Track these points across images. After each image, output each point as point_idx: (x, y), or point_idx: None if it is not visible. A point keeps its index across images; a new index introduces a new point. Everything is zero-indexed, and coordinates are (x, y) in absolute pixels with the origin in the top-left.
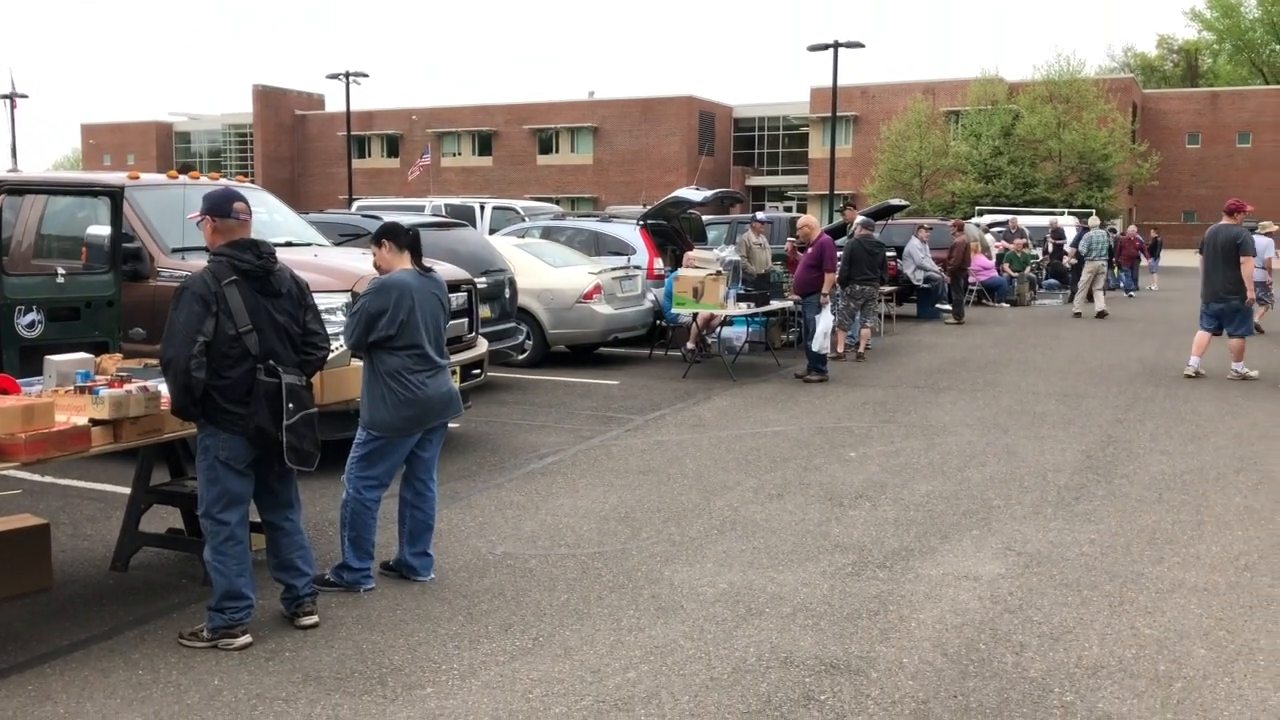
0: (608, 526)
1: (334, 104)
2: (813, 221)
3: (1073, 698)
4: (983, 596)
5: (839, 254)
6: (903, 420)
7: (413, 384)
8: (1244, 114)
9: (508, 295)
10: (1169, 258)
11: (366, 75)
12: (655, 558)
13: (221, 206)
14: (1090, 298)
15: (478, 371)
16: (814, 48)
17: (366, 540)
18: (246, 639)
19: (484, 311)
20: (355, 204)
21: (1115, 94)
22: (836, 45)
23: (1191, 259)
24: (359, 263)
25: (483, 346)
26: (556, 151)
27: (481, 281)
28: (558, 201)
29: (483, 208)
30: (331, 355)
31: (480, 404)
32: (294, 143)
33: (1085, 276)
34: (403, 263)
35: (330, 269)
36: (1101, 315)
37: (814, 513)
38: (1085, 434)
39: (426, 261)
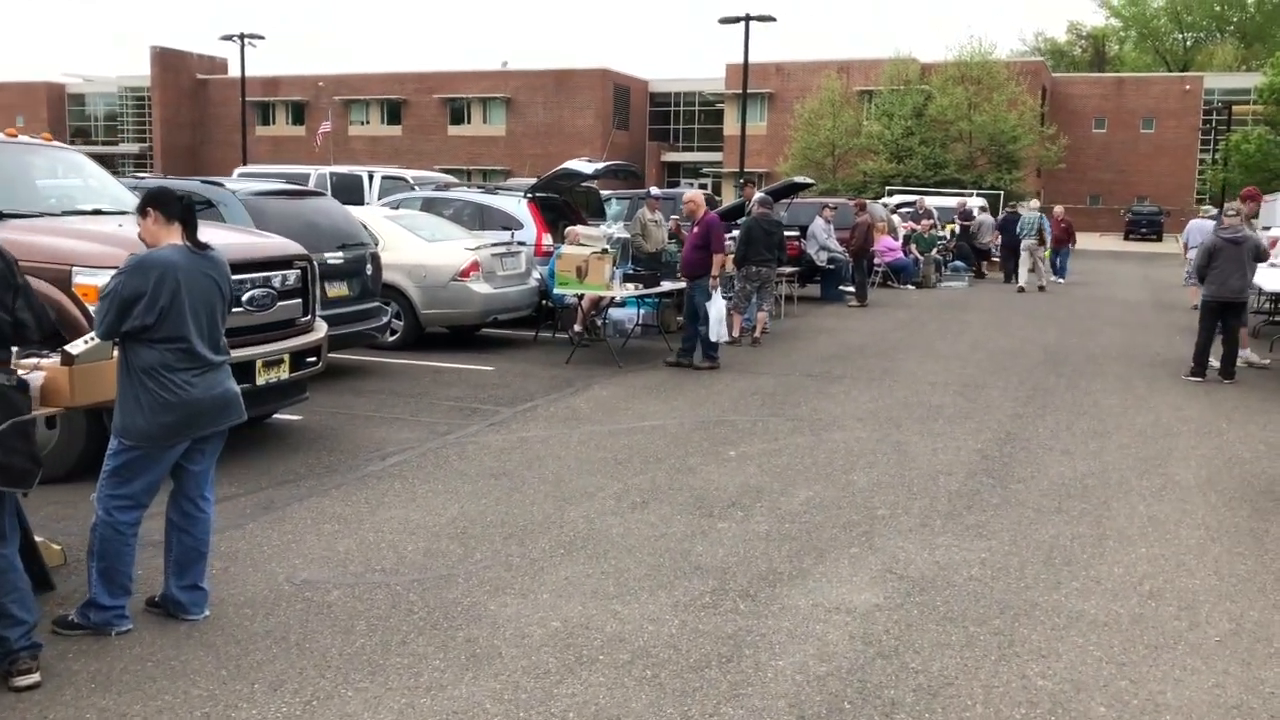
0: (438, 545)
1: (239, 68)
2: (698, 198)
3: None
4: (855, 635)
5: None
6: (791, 413)
7: (175, 384)
8: (1148, 100)
9: (369, 271)
10: (1077, 241)
11: (262, 37)
12: (484, 586)
13: None
14: (1017, 274)
15: (314, 359)
16: (725, 20)
17: (121, 572)
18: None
19: (340, 289)
20: (237, 170)
21: (1025, 77)
22: (748, 18)
23: (1097, 242)
24: None
25: (320, 331)
26: (468, 122)
27: (337, 256)
28: (469, 174)
29: (371, 177)
30: (85, 346)
31: (330, 393)
32: (195, 108)
33: (1023, 255)
34: (172, 237)
35: (119, 239)
36: (1040, 289)
37: (679, 525)
38: (982, 430)
39: (230, 232)
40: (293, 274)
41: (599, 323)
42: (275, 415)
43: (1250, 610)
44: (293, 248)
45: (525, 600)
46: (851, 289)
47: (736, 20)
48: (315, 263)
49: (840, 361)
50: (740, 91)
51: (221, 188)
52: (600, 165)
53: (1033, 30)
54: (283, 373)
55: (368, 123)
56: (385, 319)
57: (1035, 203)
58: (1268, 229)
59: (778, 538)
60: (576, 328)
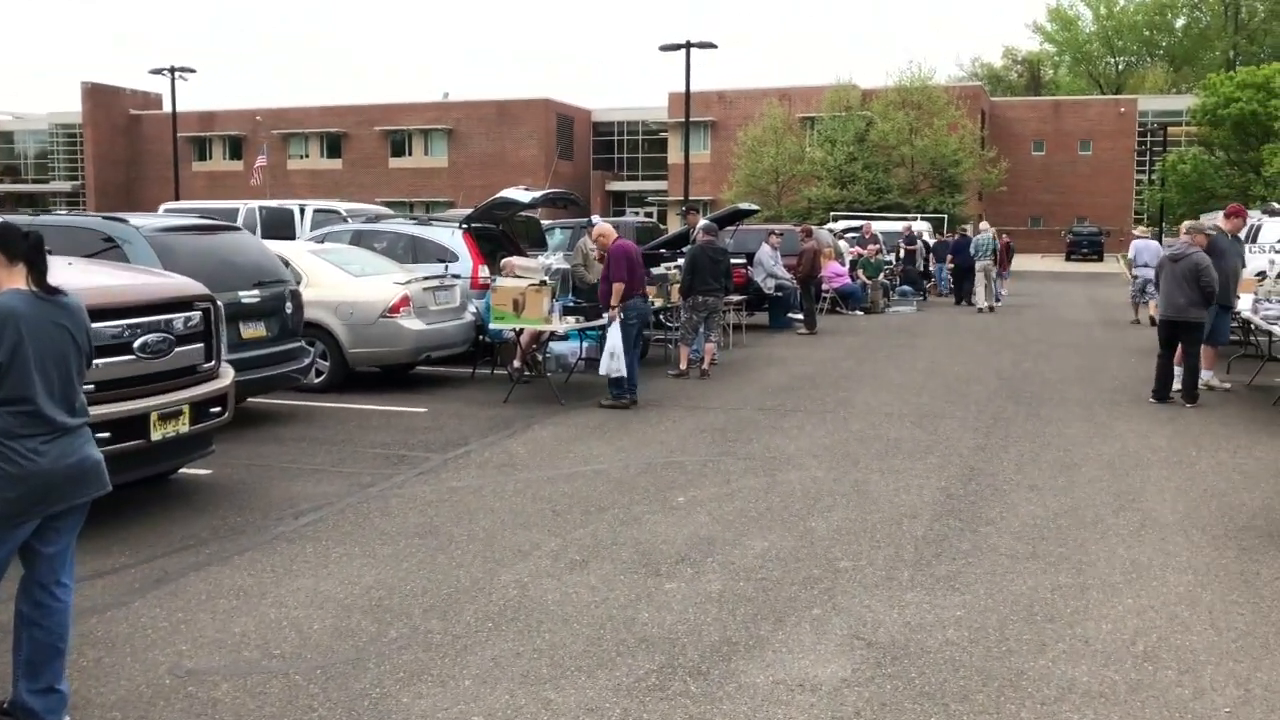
0: (348, 622)
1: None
2: (607, 229)
3: None
4: (822, 719)
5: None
6: (743, 451)
7: (19, 454)
8: (1085, 122)
9: (289, 310)
10: (1018, 262)
11: (193, 70)
12: (397, 672)
13: None
14: (973, 295)
15: (218, 409)
16: (666, 48)
17: None
18: None
19: (257, 330)
20: (162, 206)
21: (965, 101)
22: (689, 45)
23: (1039, 263)
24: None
25: (226, 378)
26: (410, 154)
27: (253, 294)
28: (411, 206)
29: (303, 210)
30: None
31: (247, 441)
32: (129, 144)
33: (979, 276)
34: (14, 280)
35: None
36: (990, 309)
37: (622, 588)
38: (944, 465)
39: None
40: (193, 316)
41: (540, 358)
42: (181, 470)
43: (1257, 671)
44: (193, 287)
45: (444, 689)
46: (800, 316)
47: (678, 47)
48: (219, 303)
49: (792, 393)
50: (683, 120)
51: (125, 224)
52: (538, 194)
53: (969, 56)
54: (182, 425)
55: (307, 156)
56: (307, 360)
57: (986, 225)
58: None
59: (731, 599)
60: (515, 364)
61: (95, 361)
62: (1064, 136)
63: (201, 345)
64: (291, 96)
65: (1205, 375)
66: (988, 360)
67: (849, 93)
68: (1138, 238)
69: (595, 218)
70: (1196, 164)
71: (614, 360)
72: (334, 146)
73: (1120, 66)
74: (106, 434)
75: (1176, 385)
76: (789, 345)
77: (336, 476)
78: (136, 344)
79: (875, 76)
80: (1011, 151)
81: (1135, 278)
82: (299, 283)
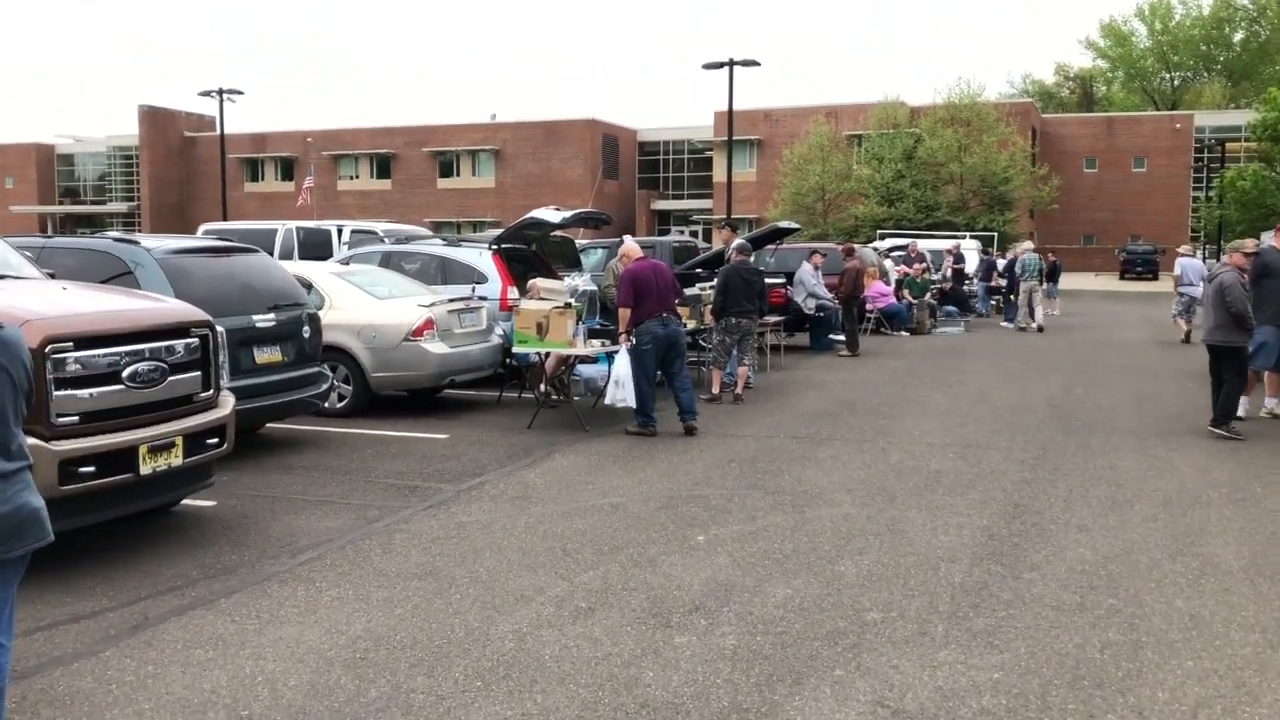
0: (328, 678)
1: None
2: (630, 249)
3: None
4: None
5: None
6: (772, 485)
7: None
8: (1139, 139)
9: (306, 334)
10: (1068, 281)
11: (241, 92)
12: None
13: None
14: (1031, 315)
15: (216, 440)
16: (709, 66)
17: None
18: None
19: (272, 355)
20: (202, 227)
21: (1015, 118)
22: (731, 63)
23: (1093, 282)
24: (31, 300)
25: (226, 407)
26: (457, 175)
27: (267, 319)
28: (458, 226)
29: (340, 231)
30: None
31: (257, 470)
32: (183, 166)
33: (1022, 297)
34: None
35: None
36: (1039, 330)
37: (628, 641)
38: (987, 502)
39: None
40: (189, 343)
41: (567, 381)
42: (184, 501)
43: None
44: (189, 312)
45: None
46: (841, 338)
47: (720, 65)
48: (218, 329)
49: (829, 420)
50: (728, 138)
51: (136, 246)
52: (568, 214)
53: (1020, 73)
54: (175, 458)
55: (357, 177)
56: (326, 385)
57: (1029, 244)
58: None
59: (746, 656)
60: (541, 388)
61: (83, 392)
62: (1117, 153)
63: (199, 373)
64: (341, 118)
65: (1269, 403)
66: (1037, 386)
67: (897, 110)
68: (1181, 255)
69: (627, 238)
70: (1257, 180)
71: (620, 388)
72: (383, 167)
73: (1176, 82)
74: (91, 468)
75: (1241, 412)
76: (829, 368)
77: (343, 509)
78: (126, 373)
79: (924, 94)
80: (1063, 169)
81: (1180, 295)
82: (321, 305)
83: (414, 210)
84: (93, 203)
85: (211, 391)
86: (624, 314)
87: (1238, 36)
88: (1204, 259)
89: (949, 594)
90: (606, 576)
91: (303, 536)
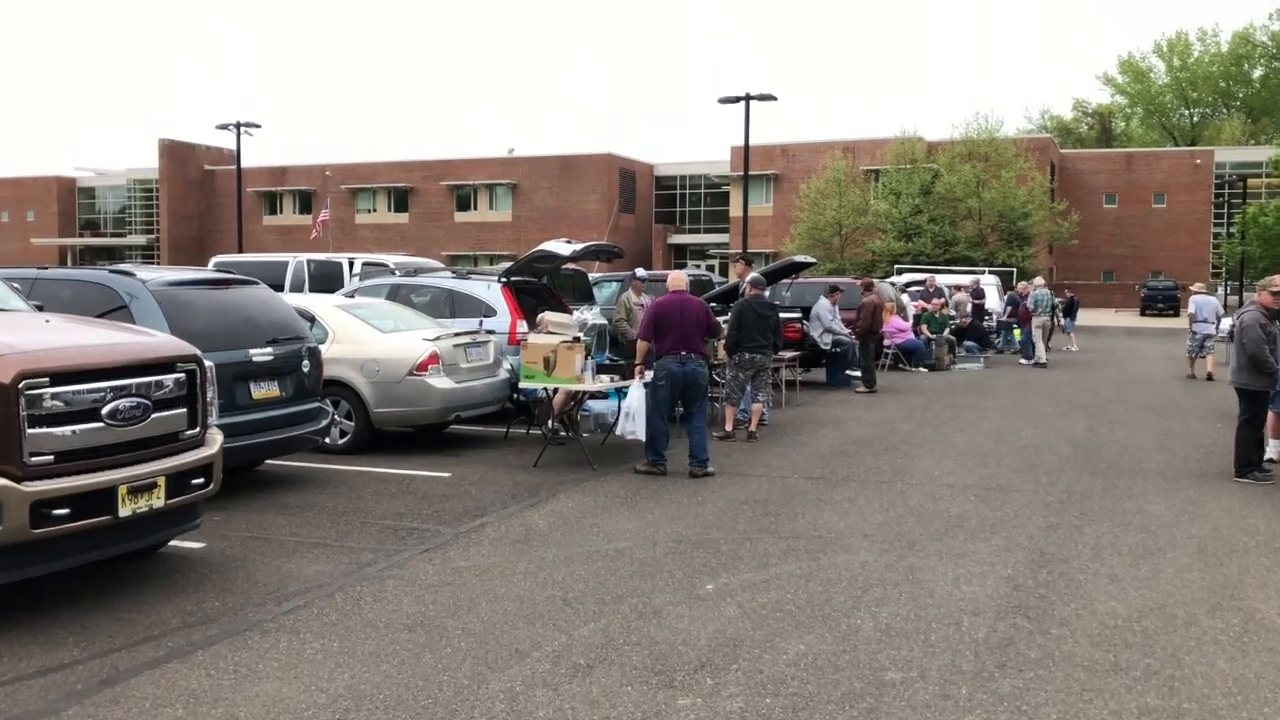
0: None
1: (248, 159)
2: (675, 277)
3: None
4: None
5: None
6: (786, 529)
7: None
8: (1158, 175)
9: (306, 369)
10: (1088, 317)
11: (259, 125)
12: None
13: None
14: (1033, 349)
15: (201, 480)
16: (725, 100)
17: None
18: None
19: (269, 390)
20: (213, 260)
21: (1033, 153)
22: (748, 98)
23: (1113, 318)
24: (7, 334)
25: (214, 445)
26: (475, 208)
27: (265, 353)
28: (475, 260)
29: (351, 263)
30: None
31: (251, 509)
32: (203, 198)
33: (1036, 333)
34: None
35: None
36: (1040, 365)
37: (626, 704)
38: (1011, 549)
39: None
40: (176, 378)
41: (577, 416)
42: (172, 542)
43: None
44: (176, 347)
45: None
46: (858, 374)
47: (736, 100)
48: (205, 364)
49: (845, 459)
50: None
51: (131, 278)
52: (579, 246)
53: (1038, 109)
54: (157, 499)
55: (375, 210)
56: (325, 421)
57: (1040, 280)
58: None
59: None
60: (550, 424)
61: (59, 430)
62: (1137, 189)
63: (184, 410)
64: (359, 152)
65: (1275, 443)
66: (1059, 424)
67: (914, 145)
68: (1196, 293)
69: (640, 271)
70: (1279, 216)
71: (629, 421)
72: (401, 200)
73: (1195, 118)
74: (65, 510)
75: (1270, 454)
76: (845, 405)
77: (336, 552)
78: (106, 410)
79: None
80: (1083, 204)
81: (1194, 333)
82: (325, 339)
83: (432, 243)
84: (113, 235)
85: (198, 429)
86: (642, 347)
87: (1257, 73)
88: (1225, 295)
89: (973, 651)
90: (608, 629)
91: (291, 582)
